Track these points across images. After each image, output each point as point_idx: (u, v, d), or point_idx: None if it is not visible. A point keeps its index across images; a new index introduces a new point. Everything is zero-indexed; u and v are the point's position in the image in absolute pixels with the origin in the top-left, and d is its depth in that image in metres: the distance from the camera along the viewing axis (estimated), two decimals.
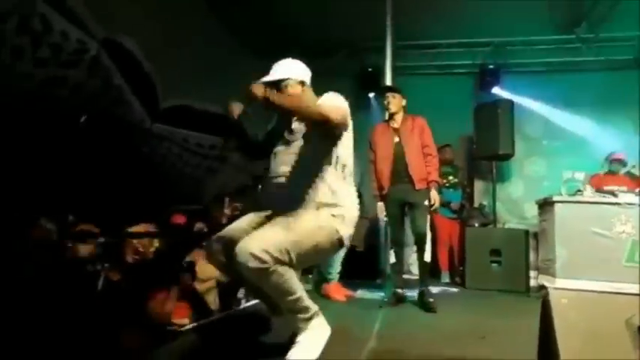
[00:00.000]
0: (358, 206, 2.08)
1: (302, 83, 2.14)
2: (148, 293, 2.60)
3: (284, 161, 2.05)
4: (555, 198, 4.26)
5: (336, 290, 3.97)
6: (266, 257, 1.71)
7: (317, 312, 1.92)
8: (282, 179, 2.03)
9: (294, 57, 2.23)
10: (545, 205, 4.48)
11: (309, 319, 1.90)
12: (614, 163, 4.93)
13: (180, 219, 3.88)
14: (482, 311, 3.66)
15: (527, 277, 4.76)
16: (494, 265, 4.82)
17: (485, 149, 5.83)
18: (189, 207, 4.95)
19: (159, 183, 5.48)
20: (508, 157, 5.89)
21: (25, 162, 3.90)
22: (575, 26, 6.06)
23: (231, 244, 1.86)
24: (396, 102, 3.65)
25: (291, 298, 1.83)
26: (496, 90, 6.45)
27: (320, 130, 1.99)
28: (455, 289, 4.87)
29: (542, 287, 4.35)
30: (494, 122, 5.66)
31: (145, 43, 4.93)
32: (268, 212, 2.05)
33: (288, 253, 1.78)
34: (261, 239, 1.77)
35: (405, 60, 6.67)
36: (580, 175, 4.79)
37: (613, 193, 4.11)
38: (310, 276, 4.38)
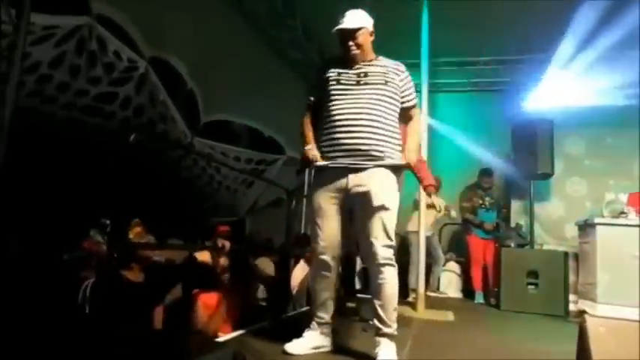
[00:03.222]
0: None
1: (371, 33, 2.32)
2: (191, 298, 2.64)
3: None
4: (597, 220, 4.13)
5: None
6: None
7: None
8: None
9: None
10: (587, 227, 4.35)
11: (395, 332, 2.14)
12: None
13: (224, 228, 4.05)
14: (517, 335, 3.57)
15: (566, 301, 4.61)
16: (530, 287, 4.69)
17: (523, 169, 5.72)
18: (226, 219, 5.09)
19: (198, 195, 5.66)
20: (547, 176, 5.76)
21: (75, 174, 4.14)
22: None
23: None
24: None
25: (395, 304, 2.13)
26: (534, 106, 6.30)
27: None
28: None
29: (582, 312, 4.20)
30: (533, 141, 5.55)
31: (189, 59, 5.17)
32: None
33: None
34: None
35: (442, 77, 6.67)
36: (624, 197, 4.61)
37: None
38: None
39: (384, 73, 2.25)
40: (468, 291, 5.74)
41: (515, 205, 6.35)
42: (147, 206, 4.19)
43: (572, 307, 4.63)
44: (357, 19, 2.26)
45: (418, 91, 4.43)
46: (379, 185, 2.13)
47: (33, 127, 3.87)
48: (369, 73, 2.24)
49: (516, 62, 6.52)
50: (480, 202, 5.40)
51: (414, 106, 2.36)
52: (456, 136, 6.08)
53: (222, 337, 2.29)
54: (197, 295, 2.61)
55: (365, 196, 2.13)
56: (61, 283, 2.17)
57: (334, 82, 2.26)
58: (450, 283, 5.96)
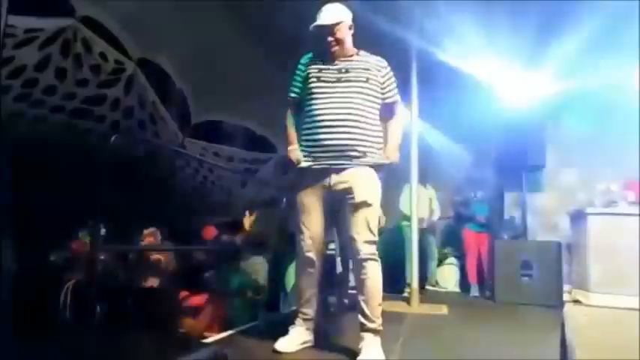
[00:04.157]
0: None
1: (350, 27, 2.26)
2: (180, 303, 2.65)
3: None
4: (588, 210, 4.14)
5: None
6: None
7: None
8: None
9: None
10: (578, 217, 4.35)
11: (380, 327, 2.14)
12: None
13: (211, 232, 4.02)
14: (510, 326, 3.58)
15: (561, 291, 4.62)
16: (525, 278, 4.70)
17: (514, 160, 5.71)
18: (219, 219, 5.08)
19: (190, 196, 5.64)
20: (539, 168, 5.76)
21: (64, 176, 4.12)
22: None
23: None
24: None
25: (380, 299, 2.13)
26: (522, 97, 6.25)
27: None
28: None
29: (576, 302, 4.21)
30: (523, 133, 5.55)
31: (179, 59, 5.13)
32: None
33: None
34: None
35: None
36: (615, 187, 4.61)
37: None
38: None
39: (366, 69, 2.23)
40: (464, 284, 5.74)
41: (508, 197, 6.34)
42: (138, 208, 4.17)
43: (566, 297, 4.64)
44: (334, 13, 2.21)
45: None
46: (361, 182, 2.14)
47: (21, 130, 3.84)
48: (350, 70, 2.21)
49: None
50: (472, 194, 5.41)
51: (395, 102, 2.32)
52: (446, 131, 6.07)
53: (211, 338, 2.28)
54: (184, 297, 2.61)
55: (347, 193, 2.14)
56: (46, 283, 2.17)
57: (314, 80, 2.24)
58: (447, 277, 5.96)
